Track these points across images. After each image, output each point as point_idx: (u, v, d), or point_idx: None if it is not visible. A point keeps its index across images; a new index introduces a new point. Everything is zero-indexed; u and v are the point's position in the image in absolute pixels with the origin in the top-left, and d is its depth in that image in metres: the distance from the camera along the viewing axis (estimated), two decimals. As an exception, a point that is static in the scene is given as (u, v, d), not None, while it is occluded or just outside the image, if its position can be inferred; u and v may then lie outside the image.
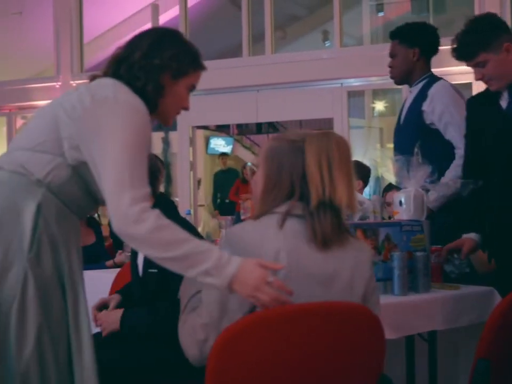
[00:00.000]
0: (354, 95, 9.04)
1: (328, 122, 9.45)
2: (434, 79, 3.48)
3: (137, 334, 2.65)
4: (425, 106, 3.39)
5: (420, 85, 3.48)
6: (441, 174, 3.15)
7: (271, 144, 2.03)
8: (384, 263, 2.63)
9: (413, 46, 3.46)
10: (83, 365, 1.88)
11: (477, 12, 7.60)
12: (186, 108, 2.10)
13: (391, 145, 7.91)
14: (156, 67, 1.98)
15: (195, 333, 1.91)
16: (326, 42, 11.21)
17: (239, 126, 14.20)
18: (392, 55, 3.52)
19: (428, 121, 3.38)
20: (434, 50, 3.52)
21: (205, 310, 1.92)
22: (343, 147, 1.93)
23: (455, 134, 3.28)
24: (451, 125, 3.31)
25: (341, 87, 8.08)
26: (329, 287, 1.89)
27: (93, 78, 2.03)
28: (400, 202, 2.80)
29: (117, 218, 1.80)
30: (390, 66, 3.55)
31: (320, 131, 2.02)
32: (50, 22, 9.27)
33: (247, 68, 8.18)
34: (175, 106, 2.07)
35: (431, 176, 2.82)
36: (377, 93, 11.77)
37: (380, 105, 12.41)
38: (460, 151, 3.19)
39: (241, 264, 1.79)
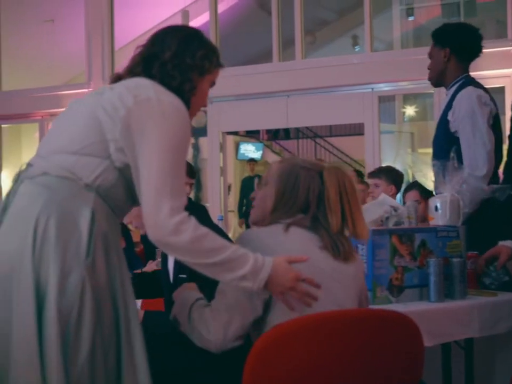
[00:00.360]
0: (385, 100, 8.99)
1: (359, 127, 9.42)
2: (464, 84, 3.40)
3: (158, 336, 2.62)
4: (450, 116, 3.34)
5: (453, 89, 3.42)
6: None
7: (285, 166, 2.21)
8: (420, 269, 2.61)
9: (444, 46, 3.42)
10: (136, 371, 1.85)
11: (509, 15, 7.51)
12: (205, 105, 2.12)
13: (423, 150, 7.83)
14: (188, 66, 1.99)
15: (219, 315, 1.97)
16: (356, 47, 11.19)
17: (268, 131, 14.21)
18: (429, 56, 3.48)
19: (452, 130, 3.33)
20: (468, 51, 3.44)
21: (228, 294, 1.99)
22: (354, 182, 2.17)
23: (463, 147, 3.23)
24: (461, 138, 3.26)
25: (371, 92, 8.04)
26: (341, 283, 2.04)
27: (117, 78, 2.01)
28: (436, 208, 2.77)
29: (155, 228, 1.80)
30: (428, 68, 3.51)
31: (332, 164, 2.28)
32: (82, 29, 9.34)
33: (277, 73, 8.17)
34: (200, 104, 2.08)
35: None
36: (408, 98, 11.71)
37: (410, 110, 12.34)
38: (466, 169, 3.03)
39: (274, 265, 1.87)
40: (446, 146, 3.05)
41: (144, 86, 1.92)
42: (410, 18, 10.36)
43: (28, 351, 1.72)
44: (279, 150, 14.42)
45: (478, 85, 3.40)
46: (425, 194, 4.47)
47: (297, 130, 13.61)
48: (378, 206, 3.06)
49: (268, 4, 8.73)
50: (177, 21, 9.22)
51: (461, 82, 3.40)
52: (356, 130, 10.97)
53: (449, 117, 3.32)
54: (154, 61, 1.98)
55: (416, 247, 2.61)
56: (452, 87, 3.43)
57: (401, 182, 5.12)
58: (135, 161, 1.84)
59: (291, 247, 2.03)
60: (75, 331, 1.75)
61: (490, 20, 9.68)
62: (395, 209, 3.00)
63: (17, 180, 1.89)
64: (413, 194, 4.47)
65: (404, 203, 4.45)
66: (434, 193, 3.25)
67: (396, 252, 2.57)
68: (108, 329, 1.82)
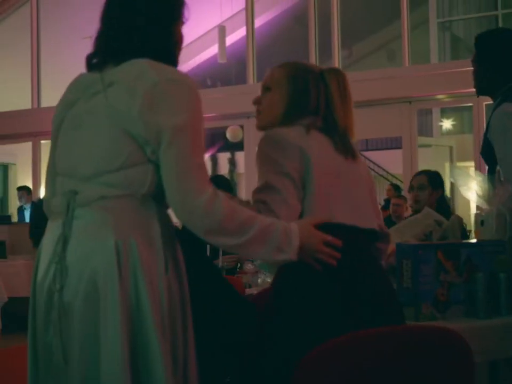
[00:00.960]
0: (422, 113, 8.94)
1: (395, 140, 9.36)
2: (503, 99, 3.28)
3: None
4: (488, 134, 3.26)
5: (495, 103, 3.32)
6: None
7: (289, 69, 2.22)
8: (466, 284, 2.56)
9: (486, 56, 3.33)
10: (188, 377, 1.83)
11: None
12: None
13: (462, 164, 7.74)
14: (166, 21, 1.88)
15: None
16: (392, 60, 11.15)
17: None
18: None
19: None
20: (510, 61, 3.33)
21: None
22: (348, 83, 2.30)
23: (501, 168, 3.15)
24: (498, 158, 3.17)
25: (409, 106, 7.98)
26: (357, 183, 2.16)
27: (102, 62, 1.87)
28: (482, 222, 2.72)
29: (187, 212, 1.77)
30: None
31: (328, 66, 2.35)
32: (120, 46, 9.43)
33: (314, 87, 8.14)
34: (180, 49, 1.98)
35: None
36: (445, 111, 11.62)
37: (447, 123, 12.25)
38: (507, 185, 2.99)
39: (301, 231, 1.88)
40: (493, 158, 2.99)
41: (144, 71, 1.79)
42: (447, 32, 10.31)
43: (115, 364, 1.70)
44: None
45: None
46: (433, 180, 4.39)
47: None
48: (422, 220, 3.02)
49: (304, 18, 8.74)
50: (215, 35, 9.27)
51: (501, 97, 3.28)
52: (393, 144, 10.91)
53: (488, 135, 3.24)
54: (133, 32, 1.85)
55: (461, 263, 2.56)
56: (496, 99, 3.32)
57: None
58: (159, 147, 1.78)
59: (315, 150, 2.06)
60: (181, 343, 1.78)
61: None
62: (439, 223, 2.95)
63: (67, 210, 1.81)
64: (419, 178, 4.40)
65: (411, 187, 4.40)
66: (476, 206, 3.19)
67: (442, 267, 2.52)
68: (178, 334, 1.82)
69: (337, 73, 2.26)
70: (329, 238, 1.93)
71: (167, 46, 1.89)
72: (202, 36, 10.24)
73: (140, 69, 1.80)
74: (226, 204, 1.79)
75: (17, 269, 7.32)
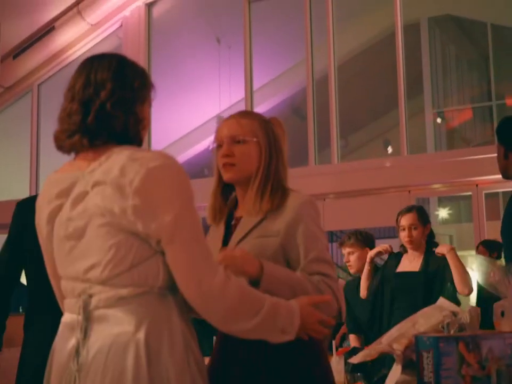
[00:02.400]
0: (419, 202, 8.96)
1: (393, 230, 9.32)
2: None
3: None
4: None
5: None
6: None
7: (258, 120, 2.24)
8: (489, 378, 2.47)
9: (500, 142, 3.36)
10: None
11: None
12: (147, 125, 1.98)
13: (462, 253, 7.70)
14: (130, 100, 1.84)
15: None
16: (388, 149, 11.24)
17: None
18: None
19: None
20: None
21: None
22: None
23: None
24: None
25: (408, 195, 8.00)
26: None
27: (73, 145, 1.81)
28: (502, 313, 2.65)
29: (203, 296, 1.73)
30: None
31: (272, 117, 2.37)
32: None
33: (313, 176, 8.19)
34: (146, 131, 1.95)
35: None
36: (442, 200, 11.67)
37: (443, 212, 12.27)
38: None
39: (300, 309, 1.87)
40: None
41: (126, 167, 1.73)
42: (443, 121, 10.44)
43: None
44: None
45: None
46: (423, 217, 4.44)
47: (331, 233, 13.53)
48: (437, 311, 2.94)
49: (301, 109, 8.86)
50: (213, 126, 9.37)
51: None
52: (391, 233, 10.88)
53: None
54: (91, 105, 1.80)
55: (484, 355, 2.48)
56: None
57: (373, 241, 5.06)
58: (161, 241, 1.75)
59: None
60: None
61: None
62: (454, 314, 2.88)
63: (85, 314, 1.75)
64: (410, 216, 4.40)
65: (402, 227, 4.42)
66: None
67: (464, 360, 2.44)
68: None
69: (280, 122, 2.33)
70: (324, 317, 1.95)
71: (130, 126, 1.83)
72: (200, 126, 10.34)
73: (120, 165, 1.74)
74: (239, 283, 1.77)
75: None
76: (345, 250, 4.99)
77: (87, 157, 1.82)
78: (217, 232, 2.30)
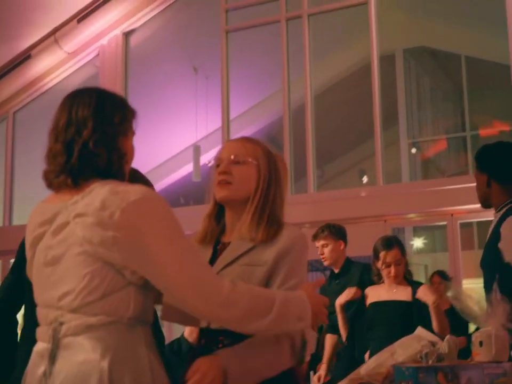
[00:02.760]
0: (395, 232, 8.99)
1: (368, 260, 9.33)
2: (510, 210, 3.30)
3: None
4: (501, 245, 3.23)
5: (499, 214, 3.31)
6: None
7: (262, 145, 2.25)
8: (468, 409, 2.46)
9: (482, 171, 3.36)
10: None
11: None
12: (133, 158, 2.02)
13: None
14: (111, 136, 1.87)
15: None
16: (363, 179, 11.31)
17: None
18: (475, 178, 3.42)
19: (506, 260, 3.21)
20: (508, 174, 3.35)
21: None
22: None
23: None
24: None
25: (384, 224, 8.03)
26: None
27: (60, 183, 1.86)
28: (481, 343, 2.65)
29: (215, 308, 1.76)
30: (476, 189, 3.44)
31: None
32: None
33: (289, 206, 8.17)
34: (131, 162, 1.98)
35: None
36: (416, 229, 11.72)
37: (418, 242, 12.33)
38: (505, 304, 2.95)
39: (307, 296, 1.94)
40: (493, 276, 2.96)
41: (107, 201, 1.77)
42: (417, 151, 10.52)
43: None
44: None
45: None
46: (404, 251, 4.52)
47: (308, 263, 13.53)
48: (415, 341, 2.94)
49: (278, 138, 8.88)
50: (189, 154, 9.36)
51: (506, 209, 3.28)
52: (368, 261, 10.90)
53: (500, 246, 3.21)
54: (74, 145, 1.84)
55: (462, 385, 2.47)
56: (499, 211, 3.31)
57: (346, 234, 5.06)
58: (151, 272, 1.78)
59: None
60: None
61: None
62: (433, 343, 2.88)
63: (54, 342, 1.77)
64: (394, 253, 4.40)
65: (387, 264, 4.42)
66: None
67: (442, 391, 2.44)
68: None
69: (283, 158, 2.40)
70: (326, 300, 2.03)
71: (113, 162, 1.87)
72: (176, 154, 10.33)
73: (101, 198, 1.77)
74: (245, 287, 1.82)
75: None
76: (319, 243, 5.04)
77: (71, 190, 1.87)
78: (204, 254, 2.26)
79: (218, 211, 2.29)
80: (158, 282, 1.78)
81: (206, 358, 1.93)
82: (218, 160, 2.23)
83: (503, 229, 3.22)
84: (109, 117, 1.88)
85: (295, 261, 2.12)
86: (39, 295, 1.88)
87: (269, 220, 2.15)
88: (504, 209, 3.30)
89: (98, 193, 1.78)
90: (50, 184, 1.90)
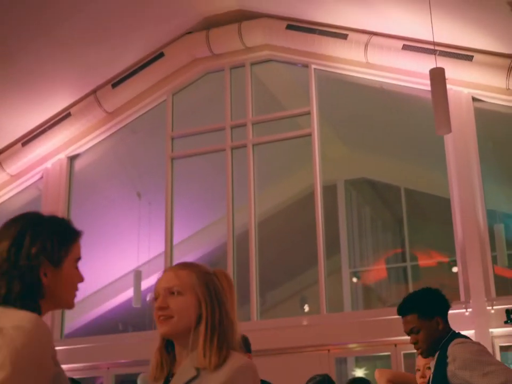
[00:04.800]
0: (337, 361, 8.90)
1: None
2: (452, 336, 3.40)
3: None
4: (449, 367, 3.25)
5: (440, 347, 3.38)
6: None
7: (197, 272, 2.17)
8: None
9: (434, 316, 3.43)
10: None
11: (460, 282, 7.74)
12: (82, 280, 1.98)
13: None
14: (27, 268, 1.85)
15: None
16: (304, 307, 11.25)
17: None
18: (414, 331, 3.44)
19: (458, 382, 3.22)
20: (448, 308, 3.52)
21: None
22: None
23: None
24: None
25: (328, 354, 7.94)
26: None
27: None
28: None
29: None
30: (414, 343, 3.46)
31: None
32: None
33: (232, 333, 8.06)
34: (70, 288, 1.94)
35: None
36: (358, 359, 11.61)
37: (360, 372, 12.18)
38: None
39: None
40: None
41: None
42: (358, 280, 10.58)
43: None
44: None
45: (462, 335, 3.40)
46: None
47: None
48: None
49: (220, 265, 8.85)
50: (130, 279, 9.22)
51: (447, 338, 3.38)
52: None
53: (450, 368, 3.22)
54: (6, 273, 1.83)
55: None
56: (442, 347, 3.38)
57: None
58: None
59: None
60: None
61: (434, 282, 9.97)
62: None
63: None
64: None
65: None
66: None
67: None
68: None
69: (226, 274, 2.26)
70: None
71: (28, 289, 1.84)
72: (117, 279, 10.16)
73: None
74: None
75: None
76: None
77: None
78: None
79: (167, 342, 2.22)
80: None
81: None
82: (155, 292, 2.18)
83: (450, 351, 3.26)
84: (26, 249, 1.86)
85: None
86: None
87: (219, 346, 2.07)
88: (443, 342, 3.39)
89: None
90: None
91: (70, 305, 1.93)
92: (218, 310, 2.13)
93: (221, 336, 2.10)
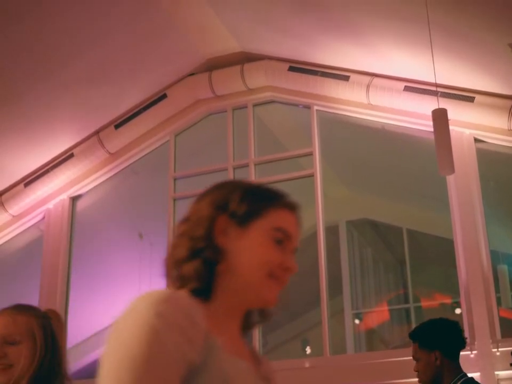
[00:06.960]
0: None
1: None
2: (466, 382, 3.32)
3: None
4: None
5: None
6: None
7: (28, 316, 2.12)
8: None
9: (433, 349, 3.37)
10: None
11: (465, 323, 7.67)
12: None
13: None
14: None
15: None
16: (306, 349, 11.15)
17: None
18: (415, 359, 3.41)
19: None
20: (458, 349, 3.40)
21: None
22: None
23: None
24: None
25: (331, 396, 7.86)
26: None
27: None
28: None
29: None
30: (416, 370, 3.42)
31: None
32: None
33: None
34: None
35: None
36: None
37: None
38: None
39: None
40: None
41: None
42: (361, 322, 10.51)
43: None
44: None
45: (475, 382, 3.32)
46: None
47: None
48: None
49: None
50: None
51: (461, 381, 3.30)
52: None
53: None
54: None
55: None
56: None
57: None
58: None
59: None
60: None
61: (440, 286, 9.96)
62: None
63: None
64: None
65: None
66: None
67: None
68: None
69: (58, 314, 2.23)
70: None
71: None
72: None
73: None
74: None
75: None
76: None
77: None
78: None
79: None
80: None
81: None
82: None
83: None
84: None
85: None
86: None
87: None
88: None
89: None
90: None
91: None
92: (51, 353, 2.11)
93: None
